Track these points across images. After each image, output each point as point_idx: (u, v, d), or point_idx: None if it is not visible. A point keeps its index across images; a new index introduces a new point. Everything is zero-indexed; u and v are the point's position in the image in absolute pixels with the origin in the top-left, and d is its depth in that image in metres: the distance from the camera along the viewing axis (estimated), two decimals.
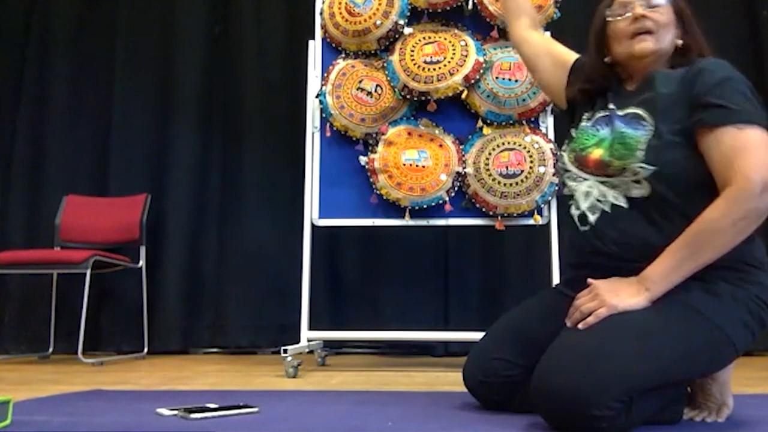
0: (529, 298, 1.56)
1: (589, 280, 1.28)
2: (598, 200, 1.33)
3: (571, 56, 1.62)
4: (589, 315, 1.22)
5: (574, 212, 1.39)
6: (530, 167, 2.46)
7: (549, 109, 2.57)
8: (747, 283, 1.23)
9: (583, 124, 1.46)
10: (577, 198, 1.38)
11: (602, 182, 1.33)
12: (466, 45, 2.54)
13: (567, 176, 1.43)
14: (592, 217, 1.33)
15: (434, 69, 2.51)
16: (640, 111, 1.33)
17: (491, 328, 1.53)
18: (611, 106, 1.42)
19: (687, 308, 1.20)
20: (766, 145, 1.21)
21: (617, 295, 1.21)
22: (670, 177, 1.25)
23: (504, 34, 2.60)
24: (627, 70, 1.45)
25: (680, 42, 1.40)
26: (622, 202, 1.30)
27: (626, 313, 1.19)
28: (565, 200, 1.46)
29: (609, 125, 1.38)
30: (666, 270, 1.20)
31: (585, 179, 1.37)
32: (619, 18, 1.42)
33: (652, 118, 1.30)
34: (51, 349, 3.28)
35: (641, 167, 1.26)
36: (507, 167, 2.48)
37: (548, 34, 2.63)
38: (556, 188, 2.46)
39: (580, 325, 1.22)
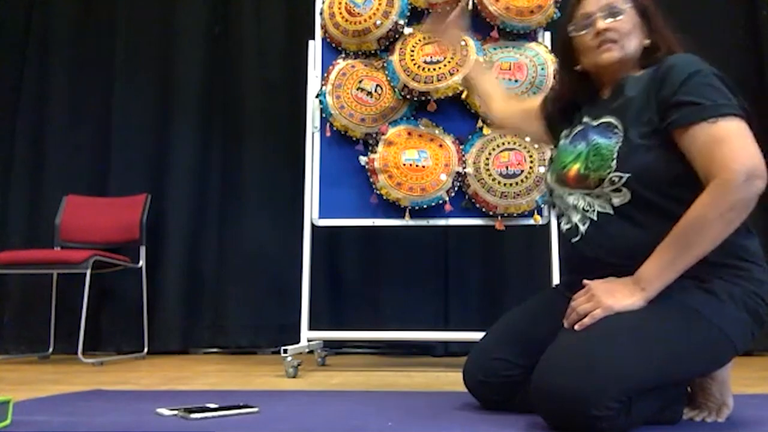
0: (529, 298, 1.57)
1: (585, 281, 1.28)
2: (585, 210, 1.33)
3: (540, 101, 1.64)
4: (586, 316, 1.22)
5: (565, 226, 1.39)
6: (530, 167, 2.46)
7: None
8: (744, 280, 1.23)
9: (562, 142, 1.47)
10: (568, 213, 1.38)
11: (586, 194, 1.33)
12: (466, 45, 2.54)
13: (554, 196, 1.43)
14: (582, 227, 1.34)
15: (434, 69, 2.51)
16: (611, 119, 1.33)
17: (491, 328, 1.53)
18: (585, 119, 1.42)
19: (684, 308, 1.19)
20: (743, 134, 1.20)
21: (613, 296, 1.21)
22: (644, 180, 1.25)
23: (504, 34, 2.60)
24: (599, 79, 1.45)
25: (648, 42, 1.40)
26: (608, 210, 1.30)
27: (624, 313, 1.19)
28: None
29: (584, 138, 1.38)
30: (659, 268, 1.20)
31: (570, 194, 1.37)
32: (582, 32, 1.41)
33: (622, 124, 1.30)
34: (51, 349, 3.28)
35: (617, 176, 1.26)
36: (507, 167, 2.48)
37: (548, 34, 2.64)
38: None
39: (576, 327, 1.22)
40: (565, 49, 1.49)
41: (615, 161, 1.26)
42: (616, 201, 1.28)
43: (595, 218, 1.31)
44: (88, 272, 2.87)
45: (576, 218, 1.36)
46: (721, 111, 1.21)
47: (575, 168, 1.36)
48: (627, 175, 1.25)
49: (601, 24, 1.37)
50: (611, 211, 1.29)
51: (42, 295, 3.36)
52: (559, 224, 1.44)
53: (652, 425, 1.23)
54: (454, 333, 2.97)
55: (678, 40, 1.40)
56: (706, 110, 1.21)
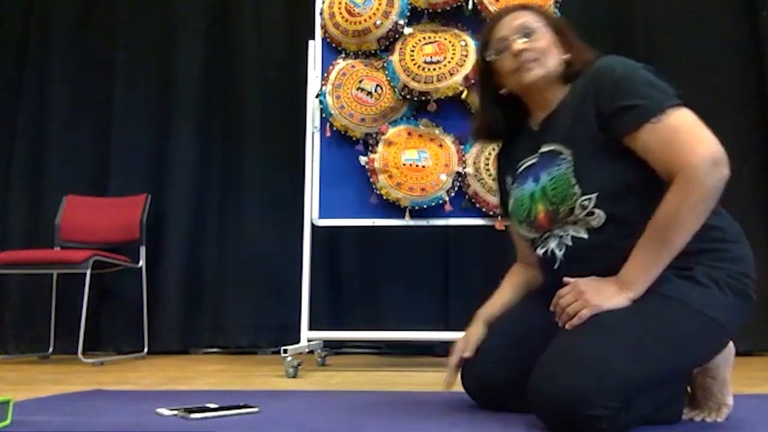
0: (525, 300, 1.57)
1: (567, 279, 1.27)
2: (560, 236, 1.33)
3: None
4: (575, 315, 1.22)
5: (540, 251, 1.38)
6: None
7: None
8: (724, 262, 1.22)
9: (514, 191, 1.45)
10: (549, 245, 1.36)
11: (563, 224, 1.32)
12: (466, 45, 2.54)
13: (537, 245, 1.40)
14: (559, 253, 1.33)
15: (434, 69, 2.51)
16: (553, 146, 1.33)
17: (489, 329, 1.53)
18: (524, 161, 1.42)
19: (670, 300, 1.19)
20: (691, 123, 1.21)
21: (600, 295, 1.21)
22: (613, 195, 1.24)
23: None
24: (529, 101, 1.45)
25: (567, 56, 1.40)
26: (582, 234, 1.29)
27: (614, 311, 1.19)
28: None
29: (530, 176, 1.39)
30: (641, 269, 1.20)
31: (549, 233, 1.35)
32: (500, 56, 1.42)
33: (567, 148, 1.30)
34: (51, 349, 3.28)
35: (586, 199, 1.25)
36: None
37: None
38: None
39: (567, 327, 1.23)
40: (486, 76, 1.49)
41: (577, 186, 1.26)
42: (594, 223, 1.27)
43: (570, 243, 1.31)
44: (88, 272, 2.87)
45: (552, 244, 1.35)
46: (662, 107, 1.21)
47: (541, 209, 1.35)
48: (594, 195, 1.24)
49: (518, 45, 1.38)
50: (585, 236, 1.28)
51: (42, 295, 3.36)
52: (534, 248, 1.42)
53: (652, 424, 1.23)
54: (454, 333, 2.95)
55: (590, 50, 1.41)
56: (647, 110, 1.21)
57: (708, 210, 1.18)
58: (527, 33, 1.39)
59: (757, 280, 1.26)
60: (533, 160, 1.40)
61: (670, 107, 1.21)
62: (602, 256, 1.26)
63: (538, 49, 1.38)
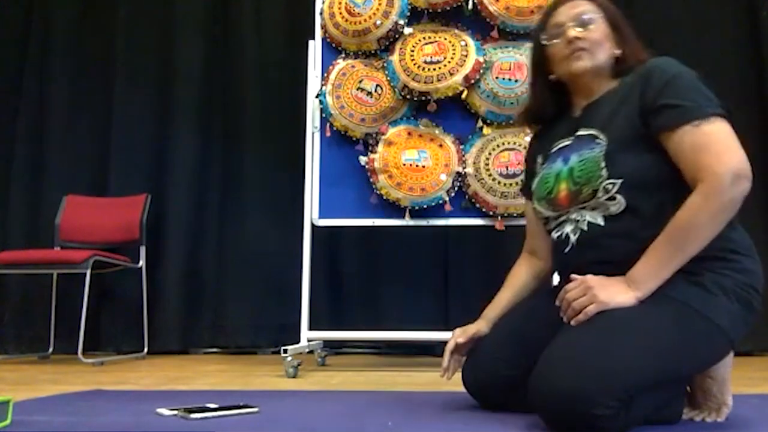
0: (528, 298, 1.57)
1: (574, 276, 1.27)
2: (576, 221, 1.34)
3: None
4: (581, 311, 1.22)
5: (555, 235, 1.40)
6: None
7: None
8: (733, 272, 1.23)
9: (543, 171, 1.46)
10: (564, 228, 1.38)
11: (581, 207, 1.34)
12: (466, 45, 2.54)
13: (552, 224, 1.43)
14: (573, 238, 1.35)
15: (434, 69, 2.51)
16: (591, 131, 1.35)
17: (493, 326, 1.53)
18: (558, 143, 1.44)
19: (676, 303, 1.20)
20: (726, 135, 1.22)
21: (607, 292, 1.21)
22: (638, 184, 1.26)
23: (504, 34, 2.60)
24: (574, 90, 1.46)
25: (618, 52, 1.42)
26: (599, 221, 1.30)
27: (618, 311, 1.19)
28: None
29: (560, 157, 1.40)
30: (652, 270, 1.21)
31: (567, 213, 1.37)
32: (554, 41, 1.43)
33: (603, 133, 1.31)
34: (51, 349, 3.28)
35: (611, 183, 1.27)
36: (507, 167, 2.48)
37: None
38: None
39: (572, 323, 1.23)
40: (538, 59, 1.51)
41: (605, 169, 1.27)
42: (613, 209, 1.28)
43: (586, 229, 1.32)
44: (88, 272, 2.87)
45: (568, 228, 1.36)
46: (704, 112, 1.22)
47: (563, 188, 1.36)
48: (620, 180, 1.26)
49: (572, 33, 1.40)
50: (602, 222, 1.30)
51: (42, 295, 3.36)
52: (549, 231, 1.44)
53: (652, 424, 1.23)
54: None
55: (645, 50, 1.43)
56: (689, 112, 1.23)
57: (726, 220, 1.20)
58: (583, 23, 1.40)
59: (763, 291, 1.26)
60: (567, 142, 1.41)
61: (712, 115, 1.22)
62: (615, 245, 1.27)
63: (591, 40, 1.39)
